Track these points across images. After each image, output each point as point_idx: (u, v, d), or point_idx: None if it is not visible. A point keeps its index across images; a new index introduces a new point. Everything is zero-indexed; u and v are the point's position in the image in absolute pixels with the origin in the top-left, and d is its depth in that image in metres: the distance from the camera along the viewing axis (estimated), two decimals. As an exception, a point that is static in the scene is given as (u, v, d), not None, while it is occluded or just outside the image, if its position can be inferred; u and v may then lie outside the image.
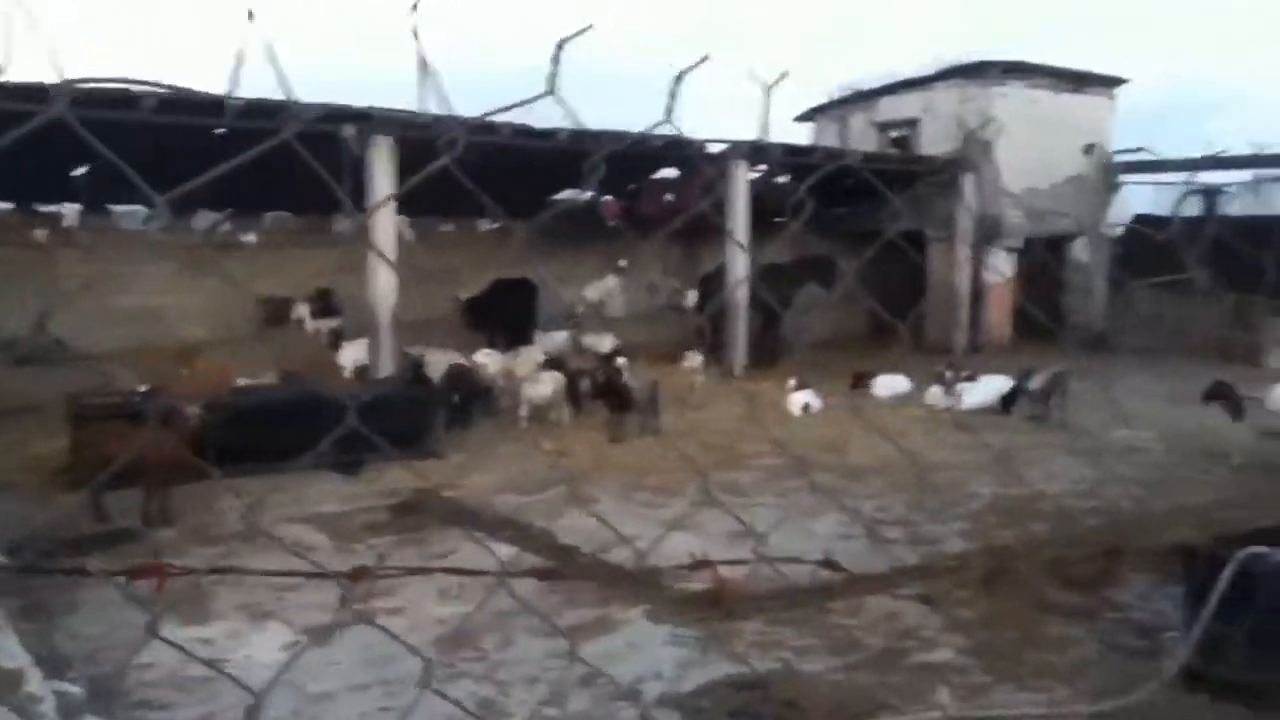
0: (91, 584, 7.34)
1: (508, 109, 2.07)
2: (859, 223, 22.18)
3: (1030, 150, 22.93)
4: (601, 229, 22.49)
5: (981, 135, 22.81)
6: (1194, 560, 6.43)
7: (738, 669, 6.43)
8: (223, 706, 5.90)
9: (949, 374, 16.13)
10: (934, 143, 23.49)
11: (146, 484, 9.55)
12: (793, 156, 20.60)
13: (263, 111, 13.41)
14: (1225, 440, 12.66)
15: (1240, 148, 20.00)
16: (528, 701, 6.18)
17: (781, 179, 22.39)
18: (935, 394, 16.08)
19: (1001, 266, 23.31)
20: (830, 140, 25.67)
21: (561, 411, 14.69)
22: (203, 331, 17.93)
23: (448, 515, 9.84)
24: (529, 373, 15.13)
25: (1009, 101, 23.20)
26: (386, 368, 15.90)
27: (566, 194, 21.46)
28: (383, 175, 15.74)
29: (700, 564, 4.90)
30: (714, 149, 19.55)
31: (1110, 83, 25.12)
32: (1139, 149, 23.30)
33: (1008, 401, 15.51)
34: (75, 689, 5.66)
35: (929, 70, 24.17)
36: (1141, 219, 23.38)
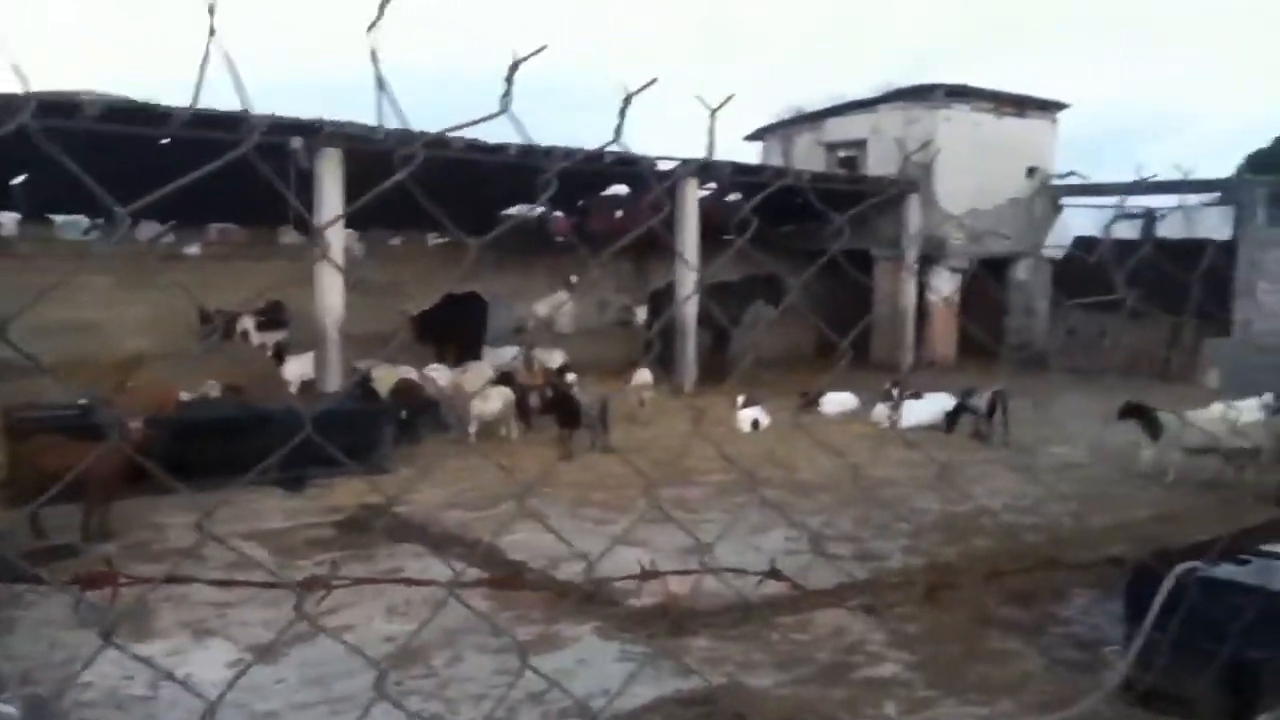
0: (28, 603, 7.18)
1: (461, 127, 2.09)
2: (807, 241, 22.45)
3: (973, 172, 23.43)
4: (552, 245, 22.49)
5: (921, 158, 23.23)
6: (1134, 575, 6.59)
7: (687, 684, 6.46)
8: (163, 726, 5.80)
9: (895, 391, 16.37)
10: (881, 163, 23.87)
11: (86, 499, 9.35)
12: (741, 175, 20.80)
13: (206, 121, 13.17)
14: (1157, 459, 12.93)
15: (1170, 173, 20.48)
16: (476, 718, 6.16)
17: (731, 197, 22.59)
18: (881, 411, 16.33)
19: (945, 287, 23.73)
20: (779, 159, 25.97)
21: (511, 427, 14.66)
22: (144, 344, 17.59)
23: (395, 531, 9.76)
24: (478, 388, 15.08)
25: (952, 124, 23.71)
26: (334, 382, 15.74)
27: (517, 209, 21.41)
28: (331, 188, 15.61)
29: (649, 574, 4.93)
30: (664, 166, 19.67)
31: (1052, 107, 25.80)
32: (1070, 173, 23.83)
33: (951, 419, 15.79)
34: (10, 709, 5.53)
35: (876, 92, 24.64)
36: (1081, 241, 23.92)
